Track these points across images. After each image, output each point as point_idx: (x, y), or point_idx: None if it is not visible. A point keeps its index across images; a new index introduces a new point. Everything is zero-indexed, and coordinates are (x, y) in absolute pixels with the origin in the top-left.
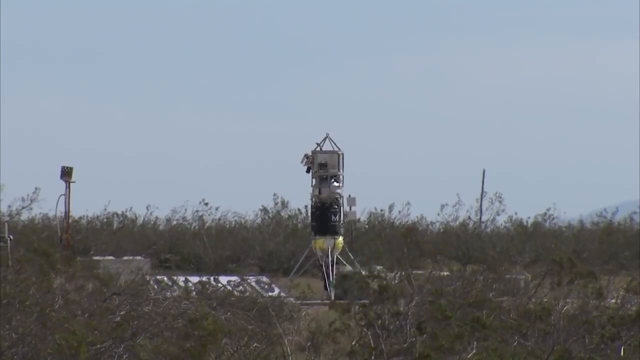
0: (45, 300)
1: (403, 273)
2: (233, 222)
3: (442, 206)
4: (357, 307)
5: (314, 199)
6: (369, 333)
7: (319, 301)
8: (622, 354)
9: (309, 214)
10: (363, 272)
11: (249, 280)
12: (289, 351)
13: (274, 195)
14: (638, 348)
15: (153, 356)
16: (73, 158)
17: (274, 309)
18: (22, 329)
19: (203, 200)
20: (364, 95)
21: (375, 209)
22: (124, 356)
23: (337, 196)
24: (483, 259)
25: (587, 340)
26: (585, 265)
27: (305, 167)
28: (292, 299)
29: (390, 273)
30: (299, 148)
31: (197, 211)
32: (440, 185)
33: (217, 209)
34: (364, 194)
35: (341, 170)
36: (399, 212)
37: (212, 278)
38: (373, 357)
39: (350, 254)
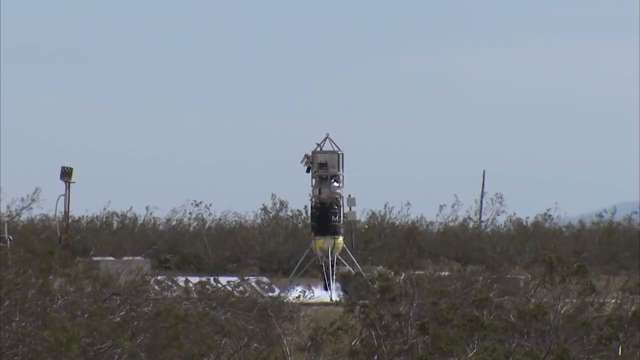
0: (45, 301)
1: (404, 274)
2: (233, 223)
3: (441, 207)
4: (359, 307)
5: (314, 199)
6: (372, 332)
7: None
8: (619, 354)
9: (309, 214)
10: (364, 273)
11: (249, 281)
12: (288, 351)
13: (272, 195)
14: (636, 348)
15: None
16: (73, 158)
17: (274, 310)
18: (22, 329)
19: (202, 201)
20: (364, 95)
21: (373, 210)
22: (124, 357)
23: (337, 196)
24: (483, 259)
25: (584, 341)
26: (578, 263)
27: (305, 167)
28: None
29: (391, 273)
30: (299, 148)
31: (197, 211)
32: (440, 186)
33: (214, 207)
34: (364, 194)
35: (341, 170)
36: (398, 212)
37: (212, 278)
38: (374, 357)
39: (351, 255)
